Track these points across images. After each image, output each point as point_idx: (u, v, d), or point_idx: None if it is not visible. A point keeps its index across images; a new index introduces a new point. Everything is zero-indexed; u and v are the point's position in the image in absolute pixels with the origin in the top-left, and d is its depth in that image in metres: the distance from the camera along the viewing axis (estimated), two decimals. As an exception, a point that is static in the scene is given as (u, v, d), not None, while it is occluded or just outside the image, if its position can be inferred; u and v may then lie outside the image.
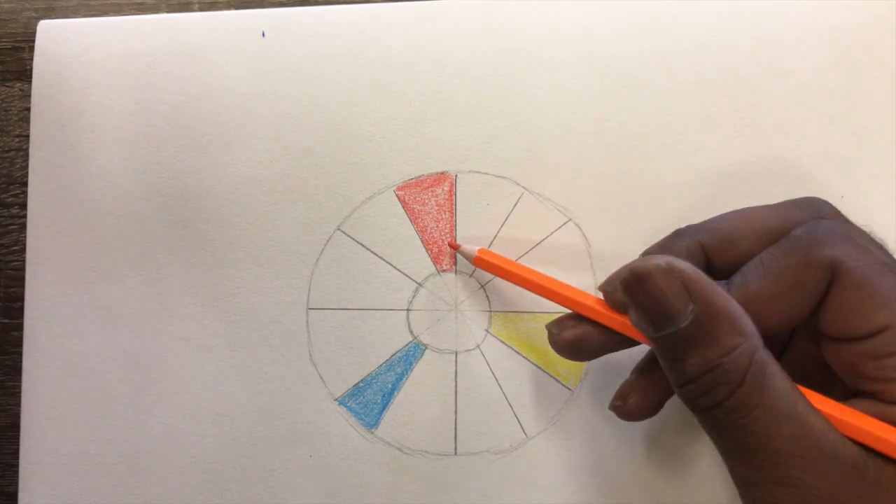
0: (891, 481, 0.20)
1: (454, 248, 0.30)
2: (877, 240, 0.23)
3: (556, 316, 0.30)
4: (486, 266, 0.28)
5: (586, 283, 0.30)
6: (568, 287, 0.26)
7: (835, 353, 0.23)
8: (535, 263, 0.30)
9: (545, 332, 0.29)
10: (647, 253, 0.25)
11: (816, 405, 0.21)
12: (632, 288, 0.22)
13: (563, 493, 0.29)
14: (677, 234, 0.25)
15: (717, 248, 0.24)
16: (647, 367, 0.25)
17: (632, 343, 0.25)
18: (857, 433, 0.21)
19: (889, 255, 0.22)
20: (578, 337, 0.25)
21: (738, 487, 0.22)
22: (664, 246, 0.25)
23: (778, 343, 0.25)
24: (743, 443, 0.21)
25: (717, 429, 0.22)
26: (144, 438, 0.31)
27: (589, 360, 0.28)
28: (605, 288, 0.24)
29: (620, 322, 0.24)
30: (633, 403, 0.25)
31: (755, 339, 0.21)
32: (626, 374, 0.26)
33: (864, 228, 0.23)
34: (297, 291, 0.31)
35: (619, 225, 0.30)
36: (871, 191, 0.29)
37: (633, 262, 0.22)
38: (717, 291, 0.21)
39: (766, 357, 0.21)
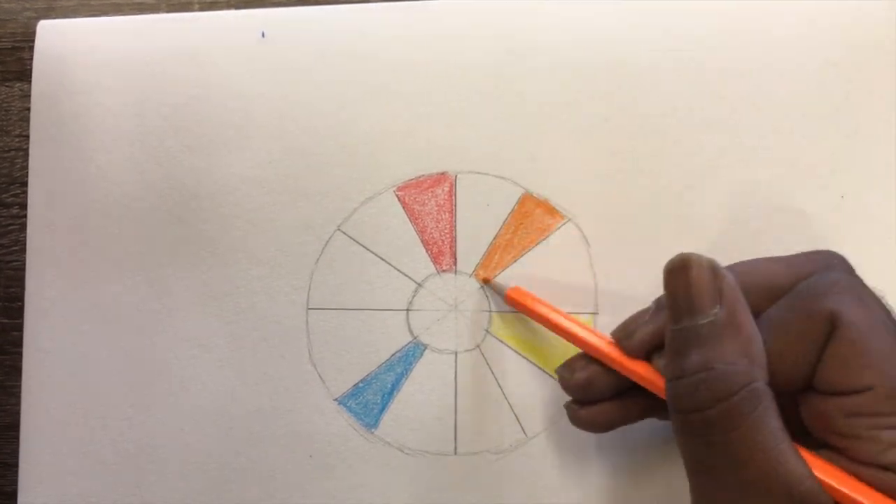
0: None
1: (486, 282, 0.30)
2: (880, 299, 0.22)
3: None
4: (517, 304, 0.29)
5: (586, 283, 0.30)
6: (587, 330, 0.27)
7: (811, 402, 0.22)
8: (535, 263, 0.30)
9: (545, 332, 0.29)
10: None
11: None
12: (674, 273, 0.22)
13: (562, 493, 0.29)
14: None
15: None
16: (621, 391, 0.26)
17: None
18: (830, 488, 0.20)
19: (889, 315, 0.22)
20: (590, 378, 0.26)
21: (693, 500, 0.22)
22: None
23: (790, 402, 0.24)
24: (709, 461, 0.21)
25: (689, 436, 0.22)
26: (144, 438, 0.31)
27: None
28: (618, 335, 0.25)
29: (632, 370, 0.25)
30: (584, 414, 0.26)
31: (759, 372, 0.21)
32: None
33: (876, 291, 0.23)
34: (297, 291, 0.31)
35: (619, 225, 0.30)
36: (870, 191, 0.29)
37: (683, 253, 0.22)
38: (746, 311, 0.22)
39: (764, 392, 0.21)
